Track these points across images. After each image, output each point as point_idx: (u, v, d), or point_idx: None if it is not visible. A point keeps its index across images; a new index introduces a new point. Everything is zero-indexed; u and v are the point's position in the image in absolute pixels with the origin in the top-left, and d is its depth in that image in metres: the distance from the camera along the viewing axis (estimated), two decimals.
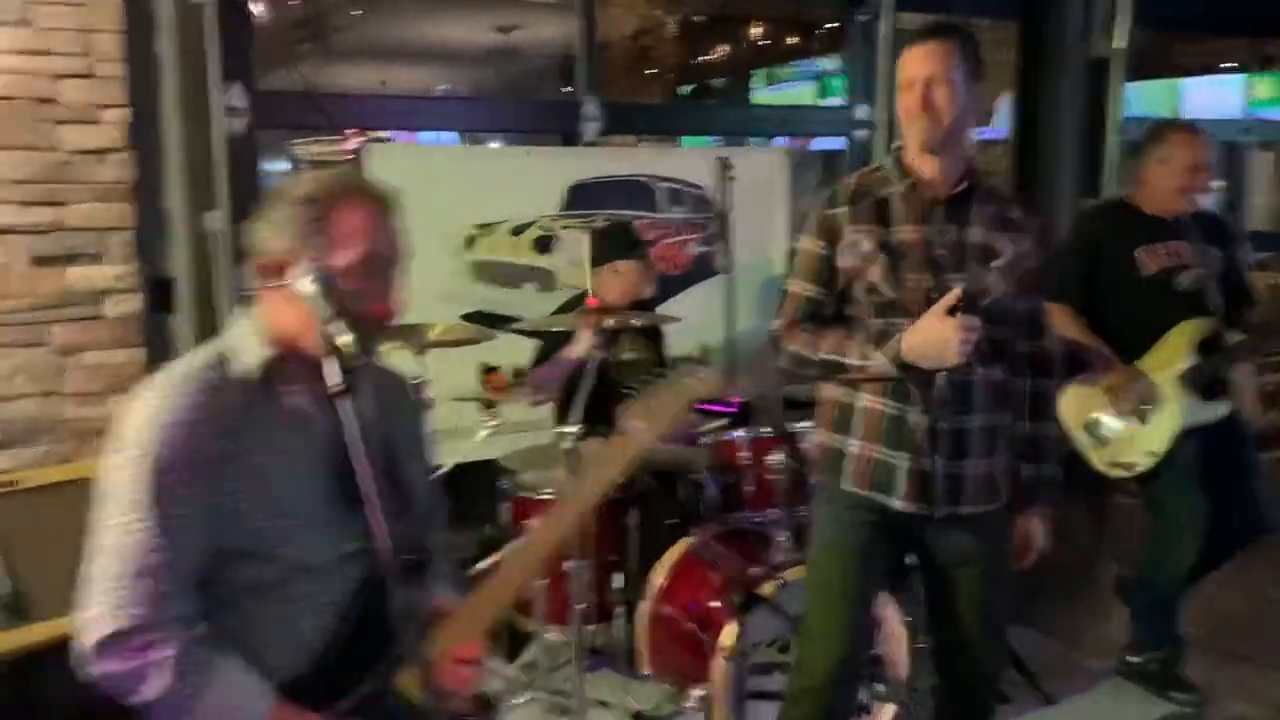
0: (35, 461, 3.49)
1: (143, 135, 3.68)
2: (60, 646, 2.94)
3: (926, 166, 2.30)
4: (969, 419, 2.31)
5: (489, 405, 3.49)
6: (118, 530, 1.41)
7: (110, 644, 1.39)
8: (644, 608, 3.14)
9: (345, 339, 1.34)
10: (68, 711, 3.14)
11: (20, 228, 3.48)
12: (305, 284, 1.40)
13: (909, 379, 2.26)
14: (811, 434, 3.08)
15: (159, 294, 3.78)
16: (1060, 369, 2.51)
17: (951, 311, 2.17)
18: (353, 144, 5.99)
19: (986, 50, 2.36)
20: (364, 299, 1.48)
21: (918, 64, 2.24)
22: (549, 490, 3.26)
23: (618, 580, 3.31)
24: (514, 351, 3.95)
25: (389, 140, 4.13)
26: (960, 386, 2.29)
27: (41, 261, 3.52)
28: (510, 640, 3.47)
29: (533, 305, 4.23)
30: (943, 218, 2.30)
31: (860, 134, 5.05)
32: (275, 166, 4.49)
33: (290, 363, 1.52)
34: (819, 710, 2.45)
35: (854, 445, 2.37)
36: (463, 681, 1.54)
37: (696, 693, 2.86)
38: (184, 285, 3.82)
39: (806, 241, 2.40)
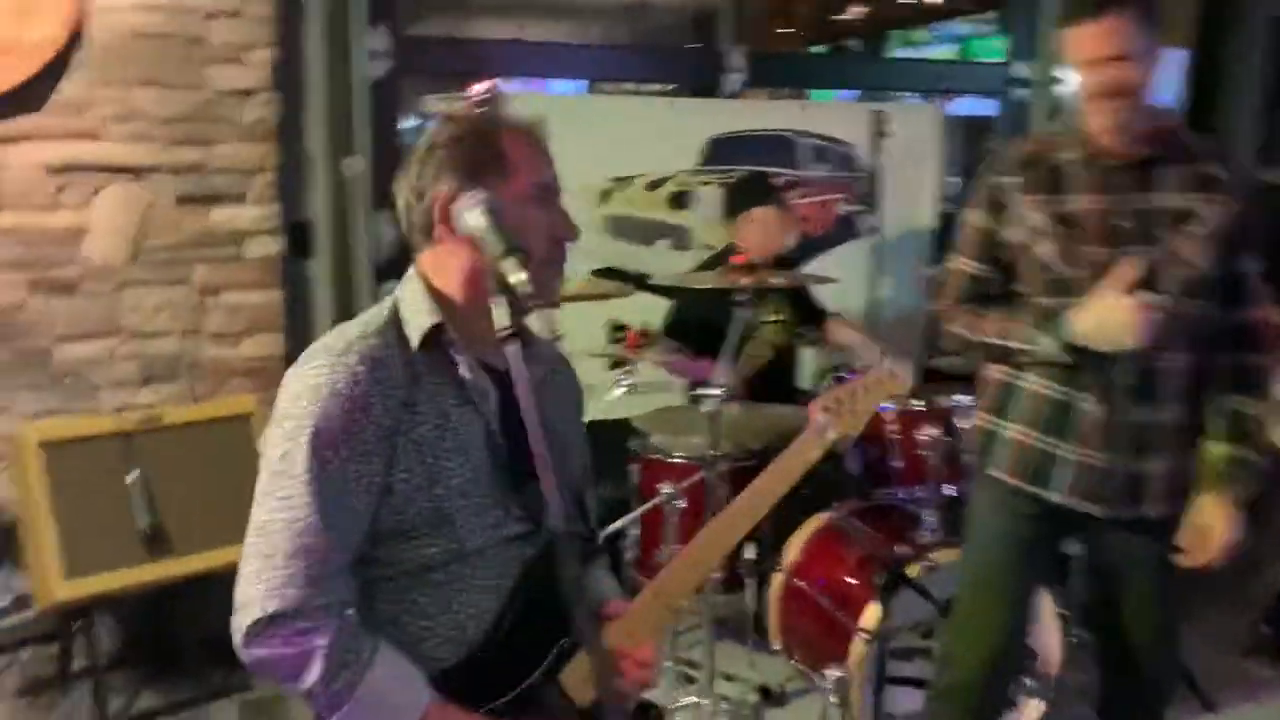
0: (174, 398, 3.53)
1: (286, 77, 3.66)
2: (197, 581, 3.01)
3: (1104, 130, 2.05)
4: (1155, 410, 2.08)
5: (622, 363, 3.38)
6: (274, 507, 1.32)
7: (264, 628, 1.29)
8: (777, 580, 3.02)
9: (519, 276, 1.22)
10: (202, 644, 3.21)
11: (167, 167, 3.50)
12: (475, 217, 1.29)
13: (1082, 364, 2.05)
14: (968, 410, 2.94)
15: (298, 237, 3.78)
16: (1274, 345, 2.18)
17: (1134, 289, 1.95)
18: (483, 95, 5.97)
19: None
20: (538, 229, 1.38)
21: (1099, 43, 1.97)
22: (681, 454, 3.14)
23: (749, 551, 3.18)
24: (645, 309, 3.85)
25: (510, 94, 4.03)
26: (1145, 373, 2.06)
27: (186, 201, 3.54)
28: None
29: (666, 263, 4.10)
30: (1127, 184, 2.06)
31: (1018, 94, 4.74)
32: (407, 124, 4.46)
33: (459, 329, 1.42)
34: (967, 708, 2.30)
35: (1010, 430, 2.18)
36: (638, 683, 1.43)
37: (832, 673, 2.72)
38: (322, 229, 3.81)
39: (971, 214, 2.21)
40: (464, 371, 1.41)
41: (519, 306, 1.25)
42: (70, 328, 3.46)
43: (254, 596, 1.30)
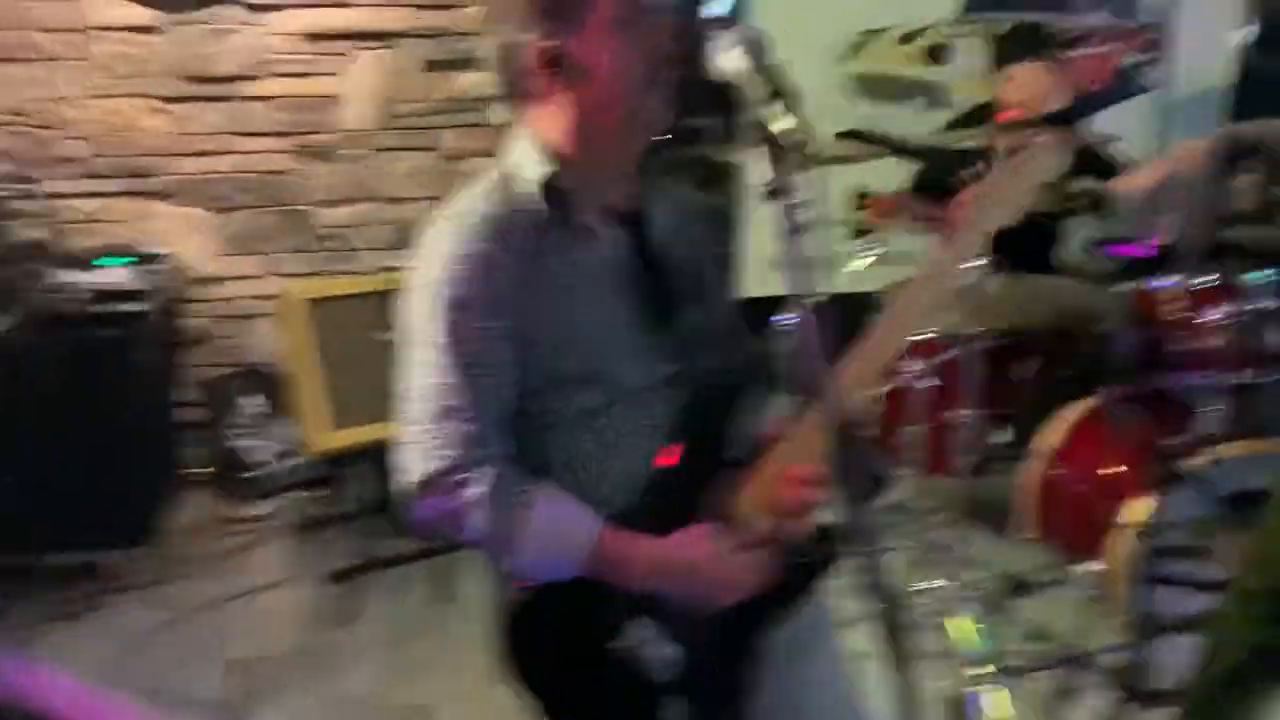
0: None
1: None
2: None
3: None
4: None
5: (866, 232, 3.20)
6: (419, 372, 1.33)
7: (426, 487, 1.32)
8: (1034, 467, 2.82)
9: (786, 124, 1.09)
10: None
11: (414, 32, 3.53)
12: (733, 58, 1.15)
13: None
14: (1262, 285, 2.60)
15: None
16: None
17: None
18: None
19: None
20: (631, 62, 1.30)
21: None
22: (932, 330, 2.96)
23: (1002, 434, 2.99)
24: (892, 175, 3.61)
25: None
26: None
27: (433, 67, 3.58)
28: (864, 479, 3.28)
29: (921, 123, 3.81)
30: None
31: None
32: None
33: (576, 178, 1.35)
34: (1269, 619, 2.05)
35: None
36: (803, 502, 1.35)
37: (1093, 566, 2.53)
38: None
39: None
40: (586, 219, 1.36)
41: (783, 156, 1.12)
42: (329, 192, 3.62)
43: (410, 460, 1.32)
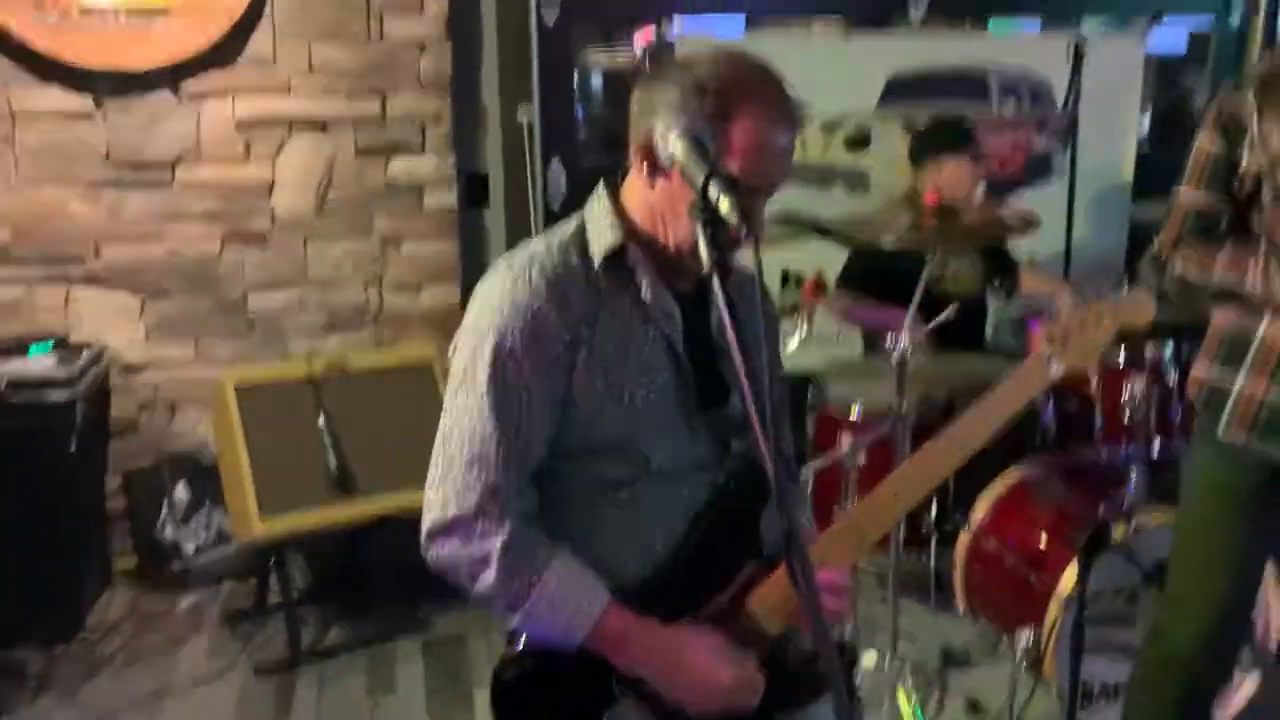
0: (358, 345, 3.64)
1: (461, 28, 3.68)
2: (382, 522, 3.10)
3: None
4: None
5: (798, 311, 3.28)
6: (457, 414, 1.35)
7: (445, 530, 1.33)
8: (964, 539, 2.88)
9: (726, 203, 1.13)
10: (388, 584, 3.32)
11: (347, 118, 3.57)
12: (675, 144, 1.21)
13: None
14: (1181, 363, 2.72)
15: (473, 188, 3.82)
16: None
17: None
18: (640, 47, 5.86)
19: None
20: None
21: None
22: (862, 406, 3.02)
23: (932, 509, 3.05)
24: (819, 258, 3.71)
25: (680, 37, 3.91)
26: None
27: (366, 153, 3.62)
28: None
29: (842, 208, 3.94)
30: None
31: (1233, 18, 4.33)
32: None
33: (648, 250, 1.38)
34: (1180, 684, 2.12)
35: (1241, 383, 1.96)
36: (830, 612, 1.36)
37: (1023, 636, 2.58)
38: (496, 180, 3.84)
39: (1202, 137, 1.98)
40: (645, 292, 1.38)
41: (721, 238, 1.17)
42: (261, 278, 3.61)
43: (436, 501, 1.34)
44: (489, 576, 1.31)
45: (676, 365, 1.40)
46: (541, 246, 1.39)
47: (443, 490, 1.34)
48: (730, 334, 1.13)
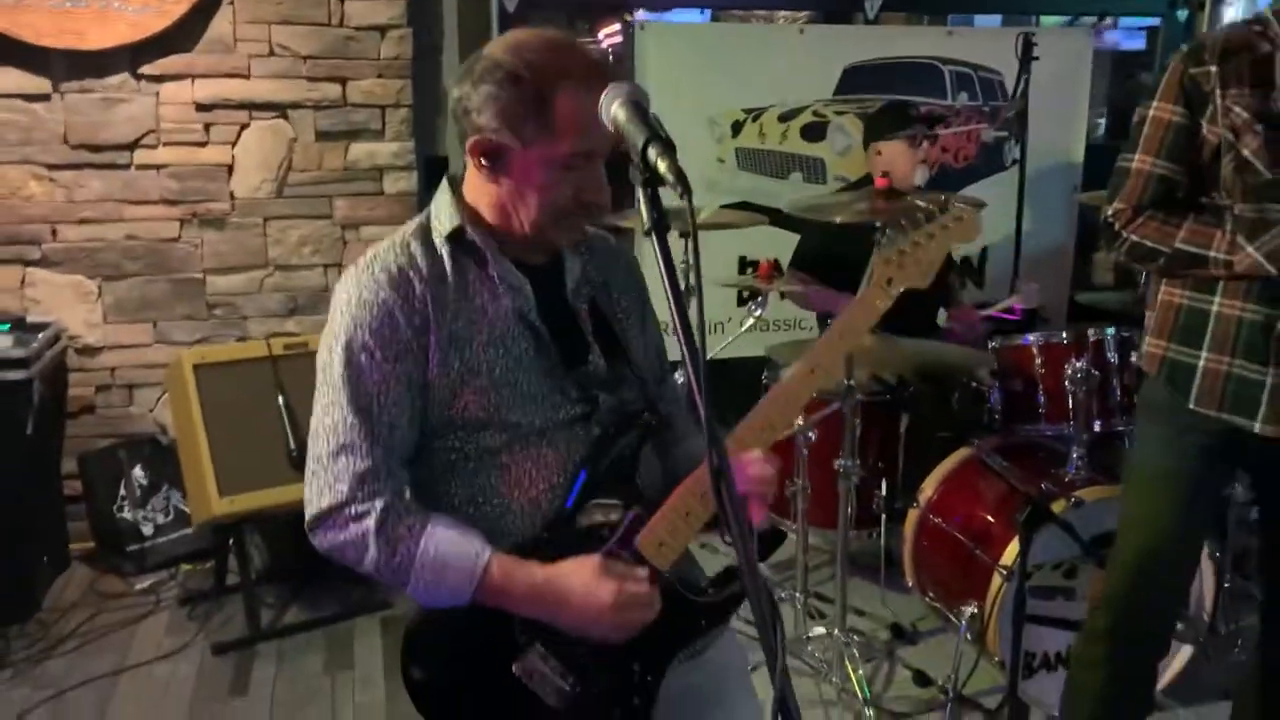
0: (318, 328, 3.63)
1: (422, 12, 3.70)
2: None
3: None
4: None
5: (753, 296, 3.33)
6: (320, 411, 1.41)
7: (321, 520, 1.39)
8: (912, 517, 2.95)
9: (664, 164, 1.14)
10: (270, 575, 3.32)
11: (307, 102, 3.59)
12: (615, 108, 1.24)
13: None
14: (1122, 343, 2.79)
15: (433, 171, 3.84)
16: None
17: None
18: (606, 41, 5.89)
19: None
20: (563, 191, 1.38)
21: None
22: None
23: (883, 487, 3.12)
24: (775, 244, 3.78)
25: (645, 22, 3.94)
26: None
27: (326, 137, 3.63)
28: (762, 538, 3.37)
29: (799, 196, 3.99)
30: None
31: (1180, 14, 4.44)
32: None
33: (487, 233, 1.44)
34: (1121, 654, 2.18)
35: (1204, 358, 2.00)
36: (759, 481, 1.40)
37: (968, 610, 2.65)
38: (457, 163, 3.86)
39: (1160, 108, 1.97)
40: (491, 268, 1.44)
41: (655, 197, 1.20)
42: (220, 260, 3.61)
43: (312, 495, 1.39)
44: (370, 555, 1.36)
45: (534, 334, 1.44)
46: (385, 244, 1.44)
47: (315, 484, 1.39)
48: (668, 285, 1.15)
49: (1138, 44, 5.58)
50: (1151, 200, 1.99)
